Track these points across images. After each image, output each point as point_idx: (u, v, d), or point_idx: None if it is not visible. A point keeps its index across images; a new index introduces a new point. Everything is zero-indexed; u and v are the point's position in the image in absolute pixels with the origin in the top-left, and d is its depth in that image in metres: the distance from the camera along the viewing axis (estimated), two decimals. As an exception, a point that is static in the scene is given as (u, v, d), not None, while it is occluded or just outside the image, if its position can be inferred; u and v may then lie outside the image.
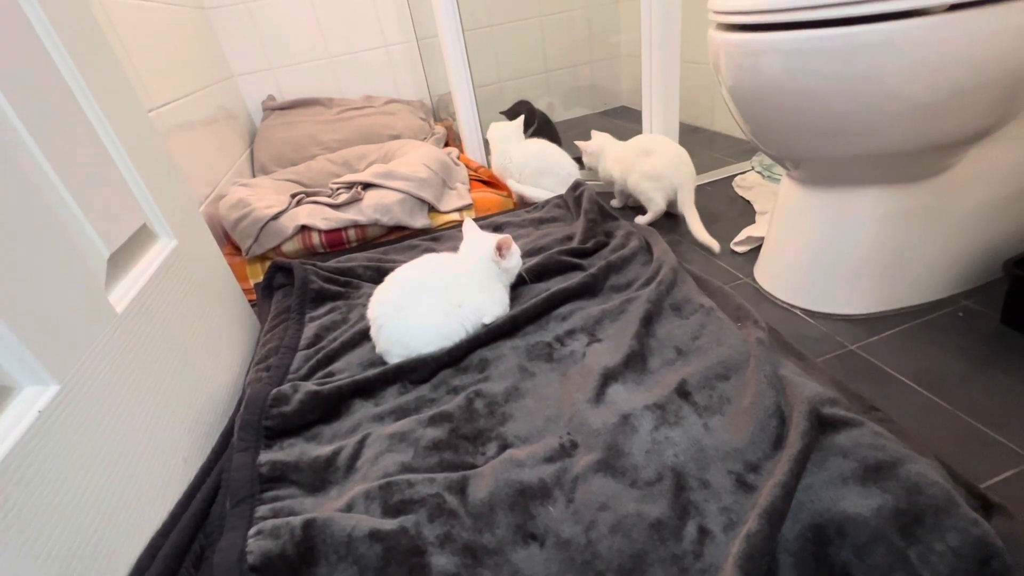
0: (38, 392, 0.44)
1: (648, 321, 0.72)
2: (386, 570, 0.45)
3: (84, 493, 0.45)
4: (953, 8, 0.55)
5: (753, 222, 1.07)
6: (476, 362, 0.72)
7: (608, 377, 0.63)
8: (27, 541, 0.39)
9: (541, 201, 1.23)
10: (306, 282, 0.94)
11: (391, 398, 0.69)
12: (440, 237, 1.15)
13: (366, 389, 0.69)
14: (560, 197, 1.21)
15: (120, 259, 0.60)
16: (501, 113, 1.61)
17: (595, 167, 1.27)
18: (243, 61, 1.69)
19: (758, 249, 0.96)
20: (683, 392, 0.59)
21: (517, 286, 0.87)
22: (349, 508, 0.51)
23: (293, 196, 1.23)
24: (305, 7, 1.69)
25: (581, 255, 0.94)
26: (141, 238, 0.66)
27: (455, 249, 0.84)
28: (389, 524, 0.48)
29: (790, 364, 0.60)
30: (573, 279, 0.84)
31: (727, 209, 1.17)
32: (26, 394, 0.43)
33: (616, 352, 0.67)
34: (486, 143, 1.41)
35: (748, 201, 1.18)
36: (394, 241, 1.17)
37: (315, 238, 1.13)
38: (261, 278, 1.04)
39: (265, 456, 0.59)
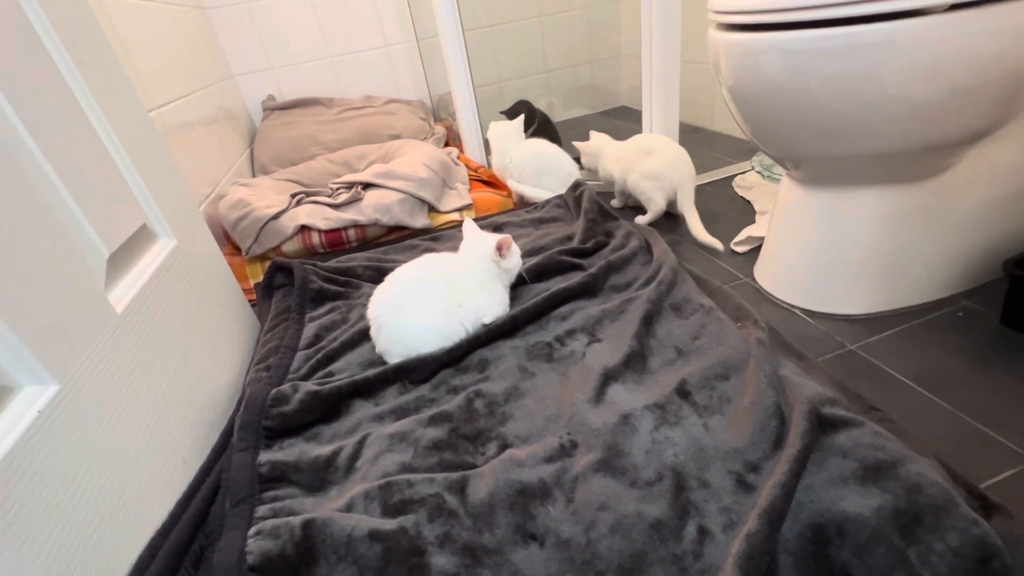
0: (38, 392, 0.44)
1: (648, 321, 0.72)
2: (386, 570, 0.45)
3: (84, 493, 0.45)
4: (953, 8, 0.55)
5: (753, 222, 1.07)
6: (476, 362, 0.72)
7: (608, 377, 0.63)
8: (27, 540, 0.39)
9: (541, 201, 1.23)
10: (306, 282, 0.94)
11: (391, 398, 0.69)
12: (440, 237, 1.15)
13: (366, 389, 0.69)
14: (560, 197, 1.21)
15: (120, 259, 0.60)
16: (501, 113, 1.61)
17: (593, 167, 1.27)
18: (243, 61, 1.70)
19: (758, 249, 0.96)
20: (683, 392, 0.59)
21: (517, 286, 0.87)
22: (349, 508, 0.51)
23: (293, 196, 1.23)
24: (305, 7, 1.69)
25: (581, 255, 0.94)
26: (141, 238, 0.66)
27: (455, 249, 0.84)
28: (389, 524, 0.48)
29: (790, 364, 0.60)
30: (573, 279, 0.84)
31: (727, 209, 1.17)
32: (26, 394, 0.43)
33: (616, 352, 0.67)
34: (486, 143, 1.41)
35: (748, 201, 1.18)
36: (394, 241, 1.17)
37: (315, 238, 1.13)
38: (261, 278, 1.04)
39: (265, 456, 0.59)
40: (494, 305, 0.79)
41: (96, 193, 0.58)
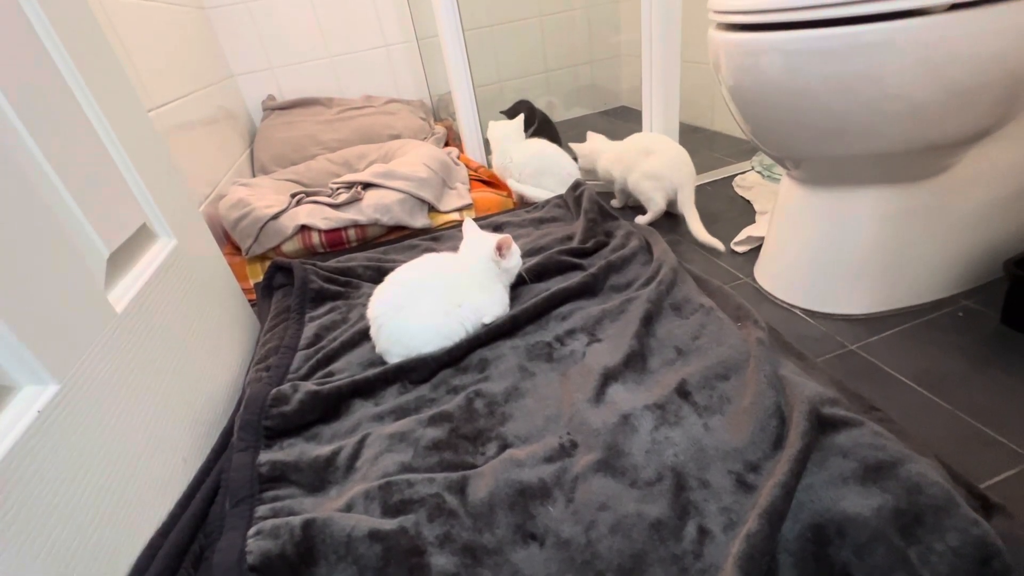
0: (37, 392, 0.44)
1: (648, 321, 0.72)
2: (386, 570, 0.45)
3: (84, 492, 0.45)
4: (953, 7, 0.55)
5: (753, 222, 1.07)
6: (476, 362, 0.72)
7: (608, 377, 0.63)
8: (27, 540, 0.39)
9: (541, 201, 1.23)
10: (306, 282, 0.94)
11: (391, 398, 0.69)
12: (440, 237, 1.15)
13: (366, 389, 0.69)
14: (560, 197, 1.21)
15: (120, 259, 0.60)
16: (501, 113, 1.61)
17: (589, 168, 1.28)
18: (243, 61, 1.70)
19: (758, 249, 0.96)
20: (683, 392, 0.59)
21: (517, 286, 0.87)
22: (349, 508, 0.51)
23: (293, 196, 1.23)
24: (305, 7, 1.69)
25: (581, 255, 0.94)
26: (141, 238, 0.66)
27: (455, 249, 0.84)
28: (389, 524, 0.48)
29: (790, 364, 0.60)
30: (573, 279, 0.84)
31: (727, 209, 1.17)
32: (25, 394, 0.43)
33: (616, 352, 0.67)
34: (486, 143, 1.41)
35: (748, 201, 1.18)
36: (394, 241, 1.17)
37: (315, 238, 1.13)
38: (261, 278, 1.04)
39: (265, 456, 0.59)
40: (494, 305, 0.79)
41: (96, 193, 0.58)
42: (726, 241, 1.01)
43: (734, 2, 0.66)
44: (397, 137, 1.62)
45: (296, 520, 0.48)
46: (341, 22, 1.74)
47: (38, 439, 0.42)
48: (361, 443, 0.60)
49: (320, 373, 0.74)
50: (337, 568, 0.46)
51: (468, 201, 1.25)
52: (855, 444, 0.47)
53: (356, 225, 1.14)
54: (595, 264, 0.88)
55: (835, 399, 0.53)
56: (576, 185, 1.17)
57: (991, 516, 0.43)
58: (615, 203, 1.26)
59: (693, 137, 1.65)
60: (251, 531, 0.49)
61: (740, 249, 0.99)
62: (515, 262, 0.81)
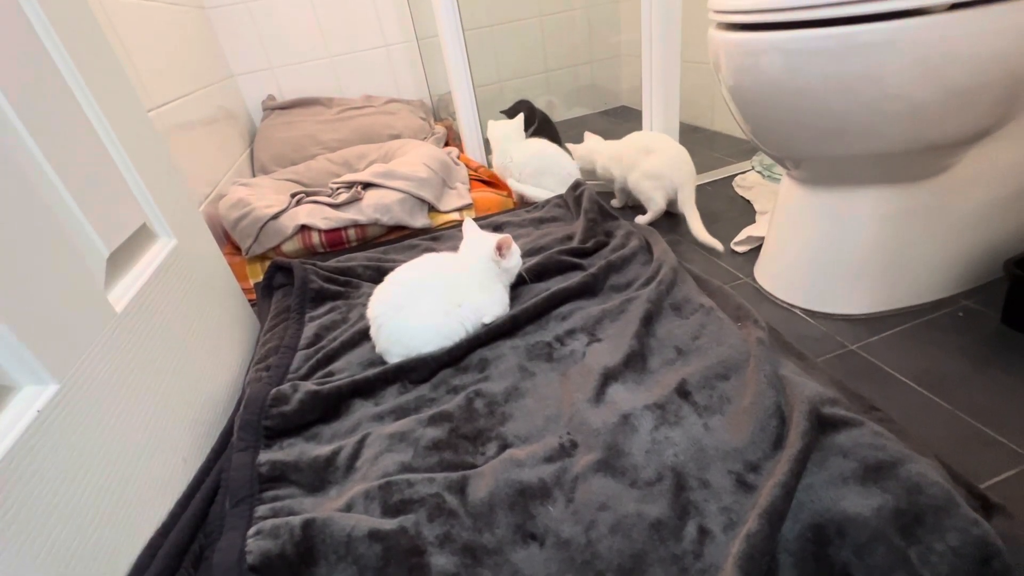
0: (37, 391, 0.44)
1: (648, 321, 0.72)
2: (386, 570, 0.45)
3: (84, 492, 0.45)
4: (953, 7, 0.55)
5: (753, 222, 1.07)
6: (476, 362, 0.72)
7: (608, 377, 0.63)
8: (27, 540, 0.39)
9: (541, 201, 1.23)
10: (306, 282, 0.94)
11: (391, 398, 0.69)
12: (440, 237, 1.15)
13: (366, 389, 0.69)
14: (560, 197, 1.21)
15: (120, 258, 0.60)
16: (502, 112, 1.61)
17: (587, 169, 1.28)
18: (243, 61, 1.70)
19: (758, 249, 0.96)
20: (683, 392, 0.59)
21: (517, 286, 0.87)
22: (349, 508, 0.51)
23: (293, 196, 1.23)
24: (305, 7, 1.69)
25: (581, 255, 0.94)
26: (141, 238, 0.66)
27: (455, 249, 0.84)
28: (389, 524, 0.48)
29: (790, 364, 0.60)
30: (573, 279, 0.84)
31: (727, 209, 1.17)
32: (25, 393, 0.43)
33: (616, 352, 0.67)
34: (486, 143, 1.41)
35: (748, 201, 1.18)
36: (394, 241, 1.17)
37: (315, 238, 1.13)
38: (261, 278, 1.04)
39: (265, 456, 0.59)
40: (494, 305, 0.79)
41: (96, 193, 0.58)
42: (726, 241, 1.01)
43: (734, 2, 0.66)
44: (397, 137, 1.62)
45: (296, 520, 0.48)
46: (341, 22, 1.74)
47: (38, 439, 0.42)
48: (361, 443, 0.60)
49: (320, 373, 0.74)
50: (337, 568, 0.46)
51: (468, 201, 1.25)
52: (855, 444, 0.47)
53: (356, 225, 1.14)
54: (595, 264, 0.88)
55: (835, 399, 0.53)
56: (576, 185, 1.17)
57: (991, 516, 0.43)
58: (615, 203, 1.26)
59: (693, 137, 1.65)
60: (251, 531, 0.48)
61: (740, 249, 0.99)
62: (515, 262, 0.81)
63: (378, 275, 0.88)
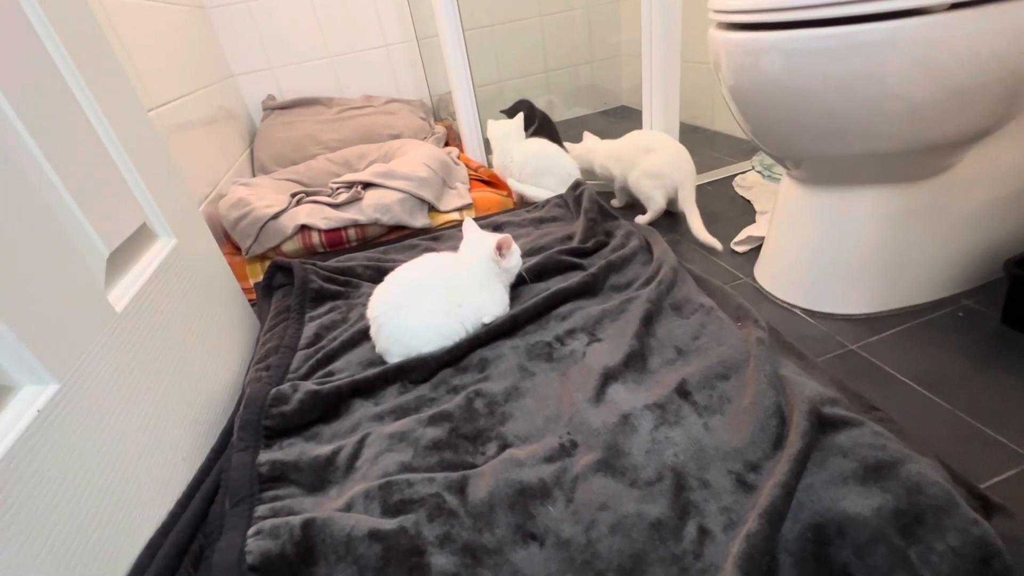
0: (37, 391, 0.44)
1: (648, 321, 0.72)
2: (385, 570, 0.45)
3: (83, 492, 0.45)
4: (954, 7, 0.55)
5: (753, 222, 1.07)
6: (476, 362, 0.72)
7: (608, 377, 0.63)
8: (27, 539, 0.39)
9: (541, 201, 1.23)
10: (306, 281, 0.94)
11: (391, 398, 0.69)
12: (440, 236, 1.15)
13: (366, 389, 0.69)
14: (560, 197, 1.21)
15: (120, 258, 0.60)
16: (502, 112, 1.61)
17: (587, 168, 1.28)
18: (243, 60, 1.70)
19: (758, 249, 0.96)
20: (683, 392, 0.59)
21: (517, 286, 0.87)
22: (349, 508, 0.51)
23: (293, 196, 1.23)
24: (305, 6, 1.69)
25: (581, 255, 0.94)
26: (141, 237, 0.66)
27: (455, 249, 0.84)
28: (389, 524, 0.48)
29: (790, 364, 0.60)
30: (573, 279, 0.84)
31: (727, 209, 1.17)
32: (25, 393, 0.43)
33: (616, 352, 0.67)
34: (486, 142, 1.41)
35: (748, 201, 1.18)
36: (394, 240, 1.17)
37: (315, 237, 1.13)
38: (261, 277, 1.04)
39: (265, 456, 0.59)
40: (494, 305, 0.79)
41: (96, 193, 0.58)
42: (726, 241, 1.01)
43: (734, 2, 0.66)
44: (397, 137, 1.62)
45: (296, 520, 0.48)
46: (341, 22, 1.74)
47: (38, 438, 0.42)
48: (361, 443, 0.60)
49: (320, 373, 0.74)
50: (337, 568, 0.46)
51: (468, 201, 1.25)
52: (855, 444, 0.47)
53: (356, 225, 1.14)
54: (595, 264, 0.88)
55: (835, 399, 0.53)
56: (576, 185, 1.17)
57: (991, 516, 0.43)
58: (615, 203, 1.26)
59: (693, 137, 1.65)
60: (251, 531, 0.48)
61: (740, 249, 0.99)
62: (515, 262, 0.81)
63: (378, 275, 0.88)
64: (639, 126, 1.30)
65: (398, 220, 1.14)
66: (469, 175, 1.37)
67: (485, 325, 0.76)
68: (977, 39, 0.56)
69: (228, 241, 1.20)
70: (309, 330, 0.84)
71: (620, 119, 2.06)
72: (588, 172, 1.28)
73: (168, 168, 0.75)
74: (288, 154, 1.57)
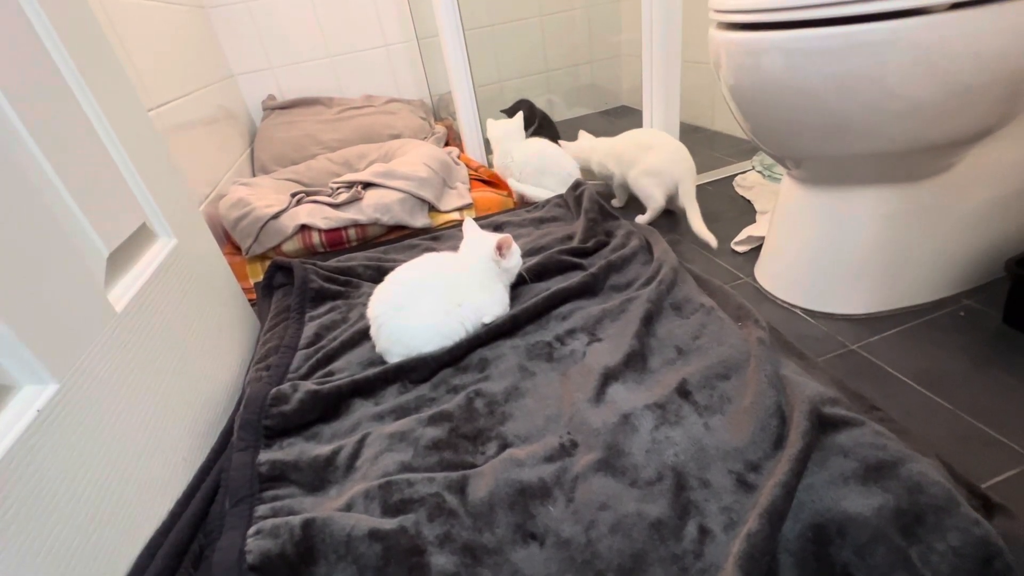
0: (37, 391, 0.44)
1: (648, 320, 0.72)
2: (385, 570, 0.45)
3: (84, 492, 0.45)
4: (954, 7, 0.55)
5: (754, 222, 1.07)
6: (476, 361, 0.72)
7: (608, 376, 0.63)
8: (27, 539, 0.39)
9: (541, 200, 1.23)
10: (306, 281, 0.94)
11: (391, 397, 0.69)
12: (440, 236, 1.15)
13: (366, 388, 0.69)
14: (560, 196, 1.21)
15: (120, 258, 0.60)
16: (502, 112, 1.61)
17: (584, 167, 1.28)
18: (243, 60, 1.70)
19: (759, 249, 0.96)
20: (684, 391, 0.59)
21: (517, 285, 0.86)
22: (349, 507, 0.51)
23: (293, 195, 1.23)
24: (305, 6, 1.69)
25: (581, 254, 0.94)
26: (141, 237, 0.66)
27: (455, 248, 0.84)
28: (389, 523, 0.48)
29: (791, 364, 0.60)
30: (573, 278, 0.84)
31: (728, 209, 1.17)
32: (25, 393, 0.43)
33: (616, 351, 0.67)
34: (486, 142, 1.41)
35: (749, 201, 1.18)
36: (394, 240, 1.17)
37: (315, 237, 1.13)
38: (261, 277, 1.04)
39: (265, 455, 0.59)
40: (494, 304, 0.79)
41: (96, 192, 0.58)
42: (726, 241, 1.01)
43: (735, 1, 0.66)
44: (397, 137, 1.62)
45: (296, 519, 0.48)
46: (341, 22, 1.74)
47: (38, 438, 0.42)
48: (361, 442, 0.60)
49: (320, 372, 0.74)
50: (337, 568, 0.46)
51: (468, 201, 1.25)
52: (856, 444, 0.47)
53: (356, 225, 1.14)
54: (595, 264, 0.88)
55: (836, 399, 0.53)
56: (576, 185, 1.17)
57: (992, 516, 0.43)
58: (616, 203, 1.26)
59: (694, 137, 1.65)
60: (251, 530, 0.48)
61: (740, 249, 0.99)
62: (515, 262, 0.81)
63: (378, 275, 0.88)
64: (639, 126, 1.30)
65: (398, 220, 1.14)
66: (469, 175, 1.37)
67: (485, 325, 0.76)
68: (978, 39, 0.56)
69: (228, 241, 1.20)
70: (309, 330, 0.84)
71: (620, 119, 2.06)
72: (585, 171, 1.28)
73: (168, 168, 0.75)
74: (288, 154, 1.57)
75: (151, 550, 0.50)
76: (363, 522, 0.48)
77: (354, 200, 1.16)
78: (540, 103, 1.66)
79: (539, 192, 1.26)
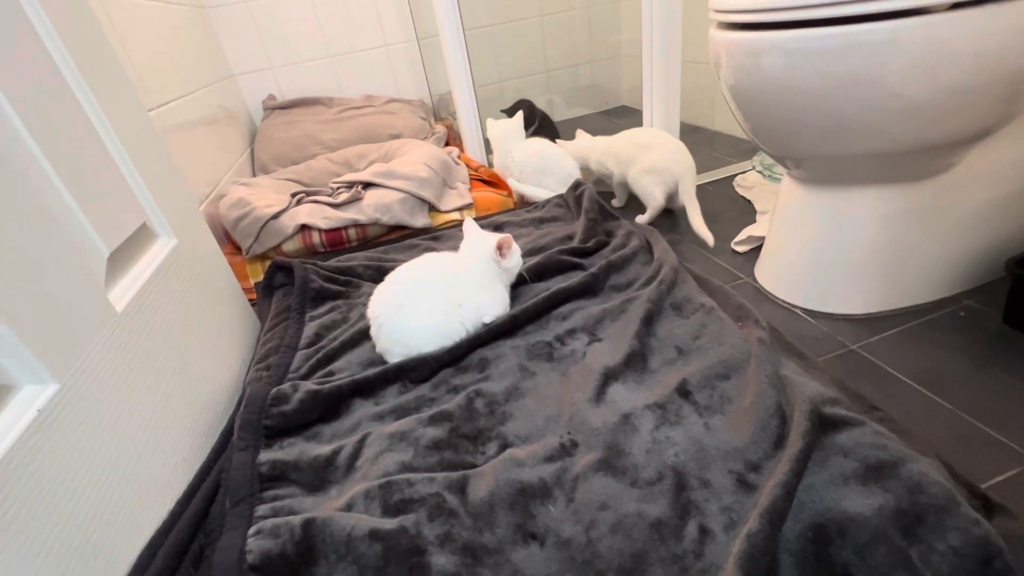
0: (37, 391, 0.44)
1: (649, 320, 0.72)
2: (386, 570, 0.45)
3: (84, 491, 0.45)
4: (954, 7, 0.55)
5: (754, 222, 1.07)
6: (476, 361, 0.72)
7: (609, 376, 0.63)
8: (27, 539, 0.39)
9: (541, 200, 1.23)
10: (306, 281, 0.94)
11: (391, 397, 0.69)
12: (440, 236, 1.14)
13: (366, 388, 0.69)
14: (560, 196, 1.21)
15: (120, 258, 0.60)
16: (502, 112, 1.61)
17: (582, 167, 1.28)
18: (243, 60, 1.69)
19: (759, 249, 0.96)
20: (684, 391, 0.59)
21: (517, 285, 0.86)
22: (349, 507, 0.51)
23: (293, 195, 1.23)
24: (305, 6, 1.69)
25: (582, 254, 0.94)
26: (141, 237, 0.66)
27: (455, 248, 0.84)
28: (389, 523, 0.48)
29: (791, 364, 0.60)
30: (573, 278, 0.84)
31: (728, 208, 1.17)
32: (25, 393, 0.43)
33: (617, 351, 0.67)
34: (487, 142, 1.41)
35: (749, 201, 1.18)
36: (394, 240, 1.17)
37: (315, 237, 1.13)
38: (261, 277, 1.04)
39: (265, 455, 0.59)
40: (494, 304, 0.79)
41: (96, 192, 0.58)
42: (726, 241, 1.01)
43: (735, 1, 0.66)
44: (397, 137, 1.62)
45: (296, 519, 0.48)
46: (341, 22, 1.74)
47: (38, 438, 0.42)
48: (361, 442, 0.60)
49: (320, 372, 0.74)
50: (337, 568, 0.46)
51: (468, 200, 1.25)
52: (856, 444, 0.47)
53: (356, 224, 1.14)
54: (596, 264, 0.88)
55: (836, 399, 0.53)
56: (577, 185, 1.17)
57: (993, 516, 0.43)
58: (616, 202, 1.26)
59: (694, 137, 1.65)
60: (251, 530, 0.48)
61: (741, 249, 0.99)
62: (515, 262, 0.81)
63: (378, 275, 0.88)
64: (639, 126, 1.30)
65: (398, 220, 1.14)
66: (469, 175, 1.36)
67: (485, 325, 0.76)
68: (978, 39, 0.56)
69: (228, 241, 1.20)
70: (309, 330, 0.84)
71: (620, 119, 2.06)
72: (583, 170, 1.28)
73: (168, 168, 0.75)
74: (288, 154, 1.57)
75: (151, 550, 0.50)
76: (363, 522, 0.48)
77: (354, 200, 1.16)
78: (540, 103, 1.66)
79: (539, 192, 1.26)
